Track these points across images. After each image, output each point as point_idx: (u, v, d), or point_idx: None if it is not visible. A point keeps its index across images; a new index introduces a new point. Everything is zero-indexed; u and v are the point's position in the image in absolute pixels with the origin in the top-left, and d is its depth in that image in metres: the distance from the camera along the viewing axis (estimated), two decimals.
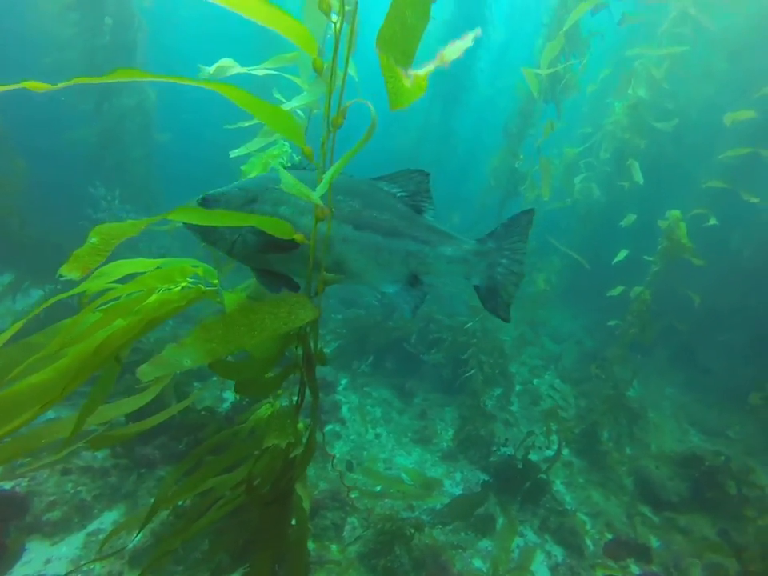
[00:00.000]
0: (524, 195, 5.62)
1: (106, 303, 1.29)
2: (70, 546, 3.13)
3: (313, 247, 1.57)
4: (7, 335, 1.05)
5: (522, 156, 5.65)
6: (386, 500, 4.11)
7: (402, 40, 0.80)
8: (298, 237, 1.52)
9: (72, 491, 3.42)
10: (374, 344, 6.54)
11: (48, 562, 3.00)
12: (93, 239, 0.85)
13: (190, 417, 3.89)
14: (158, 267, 1.44)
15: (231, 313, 1.11)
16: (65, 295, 1.16)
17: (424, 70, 0.79)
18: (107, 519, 3.38)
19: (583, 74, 5.08)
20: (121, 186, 7.56)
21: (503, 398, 6.17)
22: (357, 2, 1.33)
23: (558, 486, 4.77)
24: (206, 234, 1.73)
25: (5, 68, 5.90)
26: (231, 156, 3.11)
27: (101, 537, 3.21)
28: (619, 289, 5.89)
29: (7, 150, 6.00)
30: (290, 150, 3.35)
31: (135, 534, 3.22)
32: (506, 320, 1.83)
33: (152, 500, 3.60)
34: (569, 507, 4.43)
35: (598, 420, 5.42)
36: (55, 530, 3.19)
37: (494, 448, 4.96)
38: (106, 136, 7.77)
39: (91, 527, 3.30)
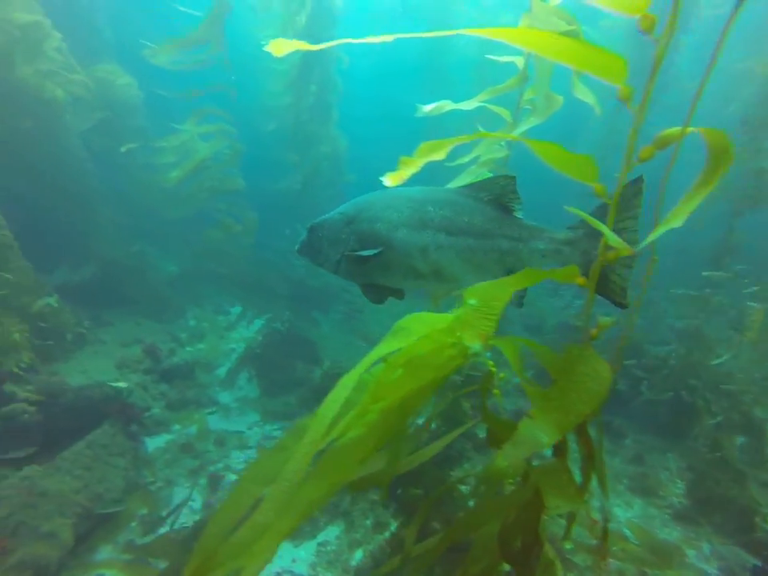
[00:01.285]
0: None
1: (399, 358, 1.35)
2: (306, 551, 3.49)
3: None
4: (341, 395, 1.15)
5: None
6: (610, 560, 3.57)
7: None
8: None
9: None
10: None
11: (294, 561, 3.41)
12: (470, 301, 0.83)
13: None
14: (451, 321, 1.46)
15: (560, 379, 1.03)
16: (376, 354, 1.24)
17: None
18: (331, 533, 3.68)
19: None
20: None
21: (752, 450, 4.89)
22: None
23: None
24: (315, 257, 1.99)
25: (250, 136, 7.39)
26: None
27: (329, 548, 3.52)
28: None
29: (243, 203, 7.38)
30: None
31: (358, 554, 3.49)
32: (623, 306, 1.65)
33: (366, 521, 3.84)
34: None
35: None
36: (295, 535, 3.60)
37: (758, 519, 3.82)
38: (305, 182, 8.96)
39: (320, 538, 3.63)
